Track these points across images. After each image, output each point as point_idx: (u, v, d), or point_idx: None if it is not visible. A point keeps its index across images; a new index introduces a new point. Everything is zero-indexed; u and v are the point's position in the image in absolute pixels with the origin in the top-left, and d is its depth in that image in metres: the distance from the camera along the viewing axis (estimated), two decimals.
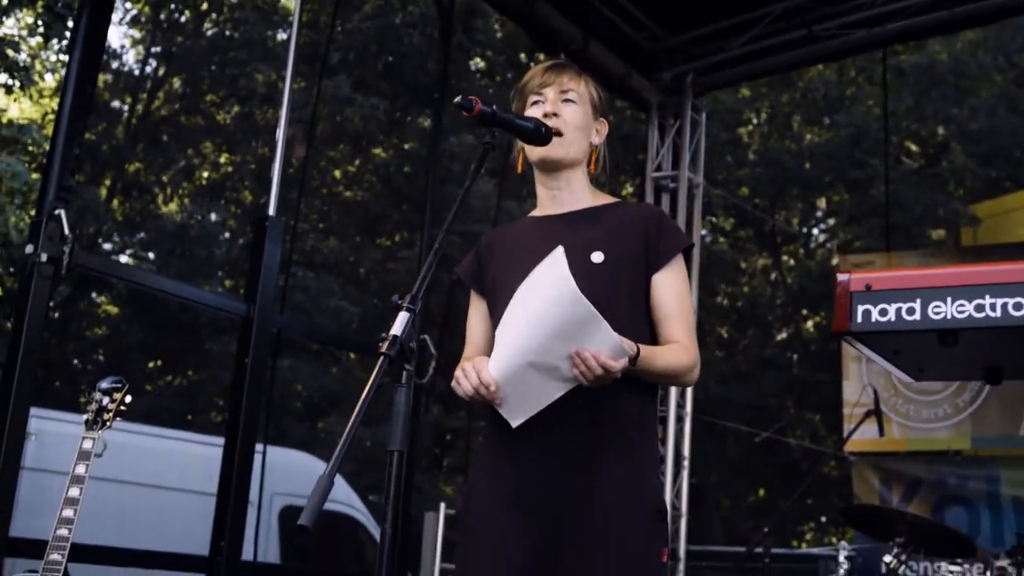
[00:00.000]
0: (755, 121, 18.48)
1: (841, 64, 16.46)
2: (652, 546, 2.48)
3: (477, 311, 2.81)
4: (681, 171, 8.06)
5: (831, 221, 19.33)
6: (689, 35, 7.94)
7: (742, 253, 18.87)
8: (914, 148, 18.12)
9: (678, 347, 2.57)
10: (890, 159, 14.68)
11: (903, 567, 4.80)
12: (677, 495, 7.66)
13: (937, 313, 1.51)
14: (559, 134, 2.63)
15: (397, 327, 2.02)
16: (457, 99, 2.31)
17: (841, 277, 1.59)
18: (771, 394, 16.91)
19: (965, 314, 1.49)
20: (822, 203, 19.14)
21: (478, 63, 16.51)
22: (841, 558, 5.13)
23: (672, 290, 2.62)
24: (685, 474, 7.75)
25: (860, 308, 1.56)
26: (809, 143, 17.61)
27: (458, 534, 2.66)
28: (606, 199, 2.78)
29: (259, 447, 5.55)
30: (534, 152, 2.68)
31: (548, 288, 2.34)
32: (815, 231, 19.92)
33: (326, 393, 14.52)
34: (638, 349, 2.41)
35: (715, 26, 7.78)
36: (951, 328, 1.50)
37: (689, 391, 7.88)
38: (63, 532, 3.41)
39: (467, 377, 2.42)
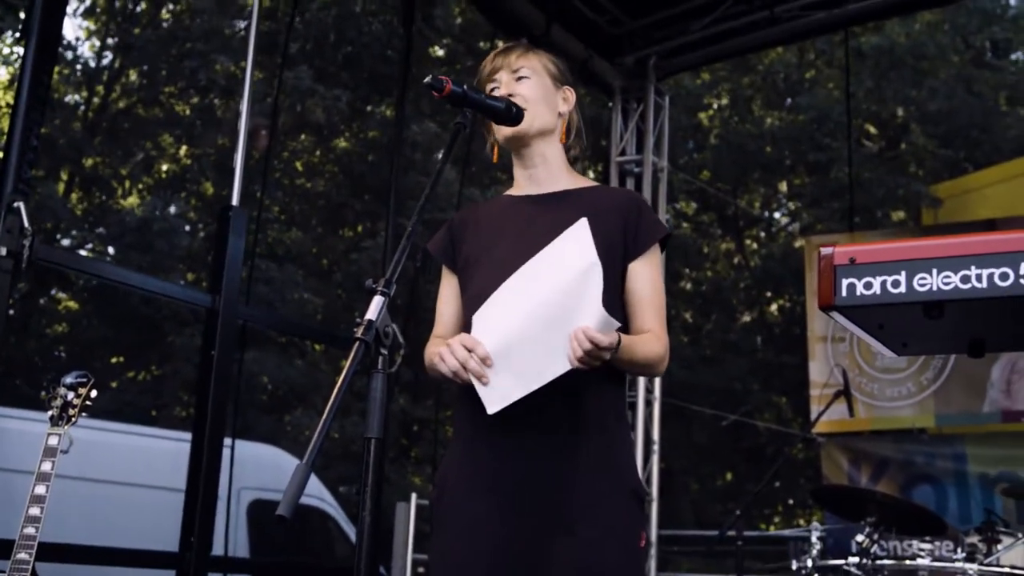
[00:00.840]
0: (716, 105, 18.52)
1: (801, 47, 16.54)
2: (631, 529, 2.47)
3: (448, 288, 2.75)
4: (645, 155, 8.06)
5: (792, 205, 19.42)
6: (651, 18, 7.93)
7: (705, 237, 18.93)
8: (874, 130, 18.24)
9: (652, 337, 2.55)
10: (851, 141, 14.76)
11: (875, 546, 4.82)
12: (647, 480, 7.66)
13: (923, 285, 1.49)
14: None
15: (372, 311, 1.99)
16: (427, 79, 2.28)
17: (824, 251, 1.56)
18: (736, 378, 16.97)
19: (951, 285, 1.47)
20: (783, 186, 19.22)
21: (436, 52, 16.44)
22: (813, 538, 5.14)
23: (647, 279, 2.60)
24: (655, 459, 7.76)
25: (844, 282, 1.54)
26: (770, 127, 17.68)
27: (430, 524, 2.63)
28: (584, 182, 2.75)
29: (226, 441, 5.49)
30: (502, 132, 2.65)
31: (571, 256, 2.35)
32: (777, 214, 20.02)
33: (292, 386, 14.43)
34: (619, 338, 2.37)
35: (677, 9, 7.78)
36: (937, 300, 1.48)
37: (657, 376, 7.90)
38: (30, 531, 3.35)
39: (454, 352, 2.38)
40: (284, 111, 13.88)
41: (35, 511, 3.36)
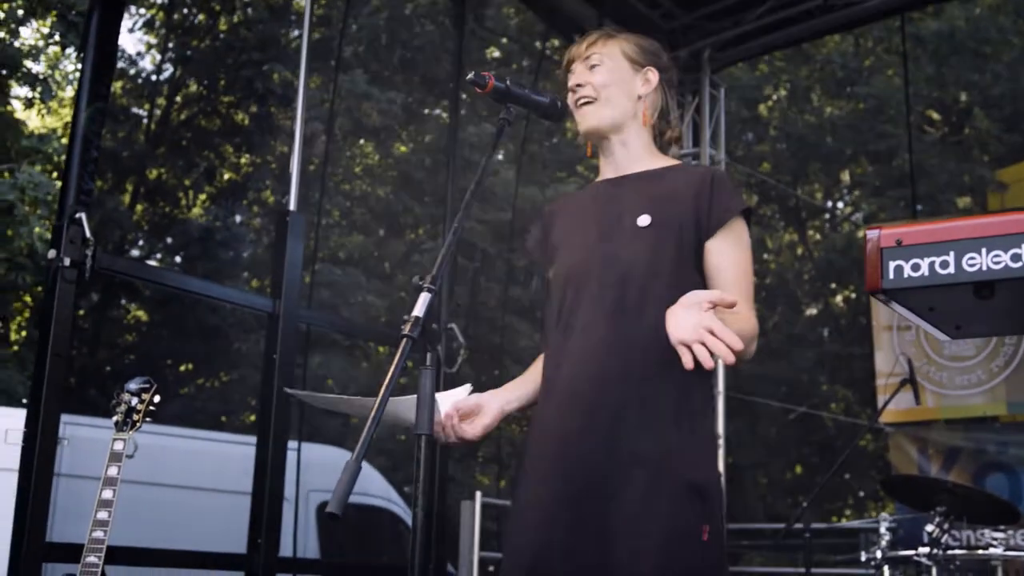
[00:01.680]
0: (775, 97, 18.35)
1: (858, 35, 16.34)
2: (683, 523, 2.36)
3: (549, 286, 2.74)
4: (702, 148, 8.01)
5: (856, 193, 19.19)
6: (704, 11, 7.87)
7: (767, 229, 18.77)
8: (936, 116, 17.96)
9: (740, 318, 2.42)
10: (912, 128, 14.54)
11: (945, 536, 4.74)
12: None
13: (972, 265, 1.45)
14: (589, 102, 2.61)
15: (419, 308, 2.00)
16: (470, 75, 2.29)
17: (870, 233, 1.54)
18: (803, 370, 16.80)
19: (1001, 264, 1.43)
20: (845, 176, 19.00)
21: (494, 52, 16.48)
22: (883, 529, 5.07)
23: (726, 256, 2.53)
24: (720, 452, 7.70)
25: (891, 264, 1.51)
26: (830, 116, 17.49)
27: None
28: (666, 161, 2.71)
29: (294, 444, 5.54)
30: (579, 126, 2.66)
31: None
32: (840, 204, 19.80)
33: (358, 388, 14.53)
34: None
35: (729, 1, 7.71)
36: (987, 280, 1.45)
37: (720, 369, 7.82)
38: (99, 534, 3.41)
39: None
40: (341, 115, 13.99)
41: (103, 515, 3.42)
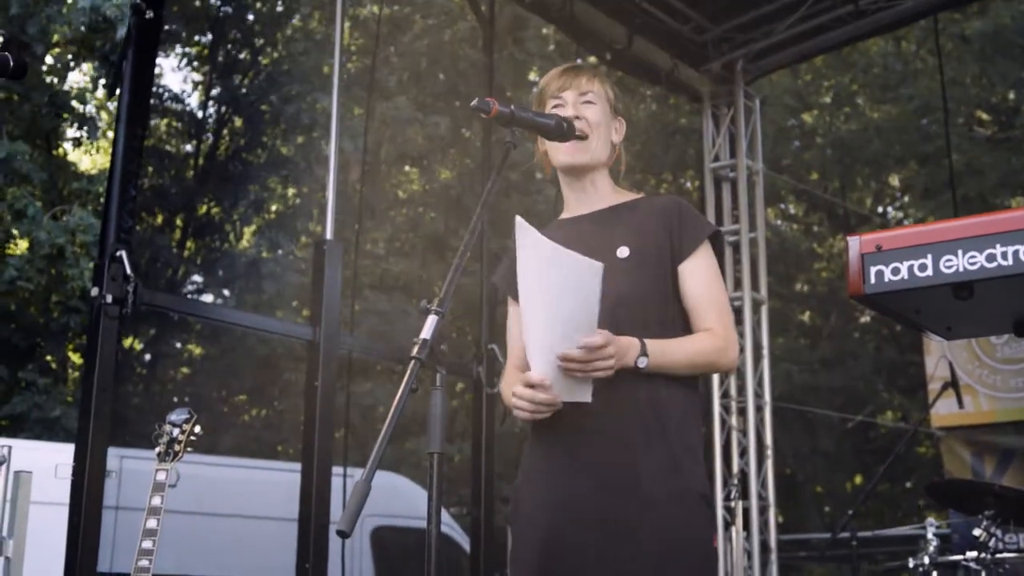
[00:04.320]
0: (820, 103, 18.24)
1: (898, 38, 16.23)
2: (694, 531, 2.48)
3: (514, 318, 2.80)
4: (739, 159, 8.01)
5: (906, 198, 19.01)
6: (734, 22, 7.89)
7: (816, 238, 18.65)
8: (986, 116, 17.74)
9: (705, 334, 2.58)
10: (959, 128, 14.40)
11: (993, 539, 4.69)
12: (763, 485, 7.58)
13: (949, 267, 1.48)
14: (584, 137, 2.64)
15: (426, 330, 2.05)
16: (474, 102, 2.34)
17: (851, 240, 1.57)
18: (859, 378, 16.64)
19: (977, 265, 1.46)
20: (895, 180, 18.84)
21: (533, 75, 16.52)
22: (929, 535, 5.02)
23: (699, 278, 2.63)
24: (769, 463, 7.67)
25: (872, 269, 1.54)
26: (877, 120, 17.35)
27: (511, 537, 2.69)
28: (629, 195, 2.79)
29: (348, 471, 5.61)
30: (560, 158, 2.71)
31: (536, 267, 2.40)
32: (890, 209, 19.62)
33: (411, 414, 14.51)
34: (642, 344, 2.43)
35: (760, 11, 7.73)
36: (964, 281, 1.47)
37: (767, 379, 7.80)
38: (144, 563, 3.48)
39: (521, 399, 2.45)
40: (385, 143, 14.11)
41: (147, 544, 3.50)
